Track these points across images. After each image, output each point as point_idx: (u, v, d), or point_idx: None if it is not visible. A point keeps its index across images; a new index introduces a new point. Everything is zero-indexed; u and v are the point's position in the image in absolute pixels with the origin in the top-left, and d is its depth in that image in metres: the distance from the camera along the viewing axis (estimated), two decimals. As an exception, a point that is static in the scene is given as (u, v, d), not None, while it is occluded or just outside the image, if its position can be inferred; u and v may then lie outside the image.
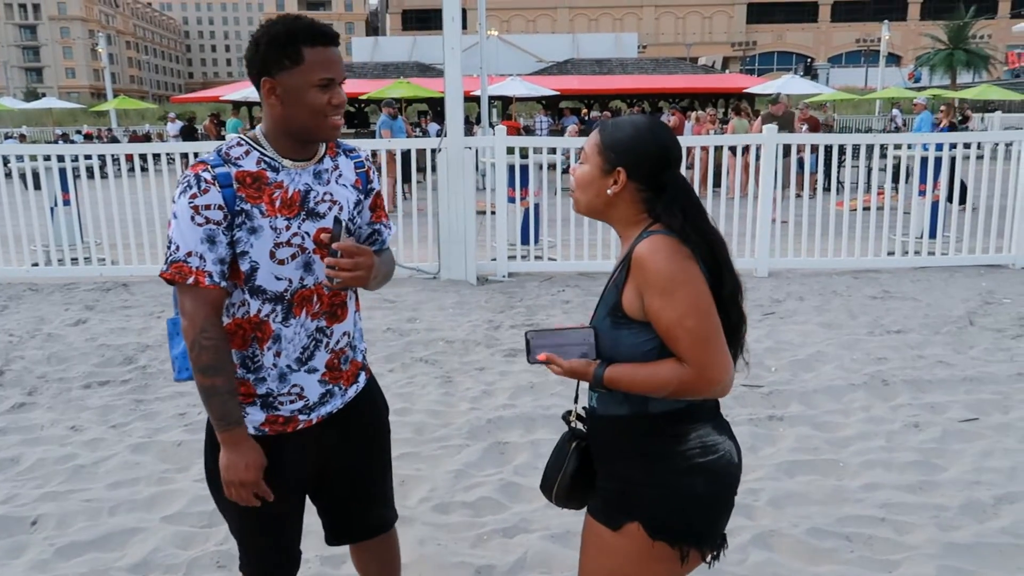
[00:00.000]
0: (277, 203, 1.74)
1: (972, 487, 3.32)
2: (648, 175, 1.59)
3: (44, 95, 62.69)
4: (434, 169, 7.50)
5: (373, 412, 2.05)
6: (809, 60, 59.59)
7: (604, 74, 29.41)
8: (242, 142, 1.78)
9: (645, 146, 1.58)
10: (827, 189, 7.79)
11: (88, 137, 27.94)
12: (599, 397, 1.66)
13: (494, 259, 7.49)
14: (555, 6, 73.00)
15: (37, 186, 7.57)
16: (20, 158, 7.65)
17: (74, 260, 7.67)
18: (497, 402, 4.33)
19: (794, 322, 5.84)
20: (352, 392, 1.96)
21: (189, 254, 1.68)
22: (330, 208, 1.80)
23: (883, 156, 8.18)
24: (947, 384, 4.51)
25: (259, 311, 1.77)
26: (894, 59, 51.67)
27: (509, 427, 3.98)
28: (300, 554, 2.05)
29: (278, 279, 1.76)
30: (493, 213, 7.52)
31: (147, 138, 26.94)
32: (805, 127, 11.34)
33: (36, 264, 7.67)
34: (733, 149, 7.95)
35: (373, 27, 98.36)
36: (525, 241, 7.60)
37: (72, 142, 23.81)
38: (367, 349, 2.06)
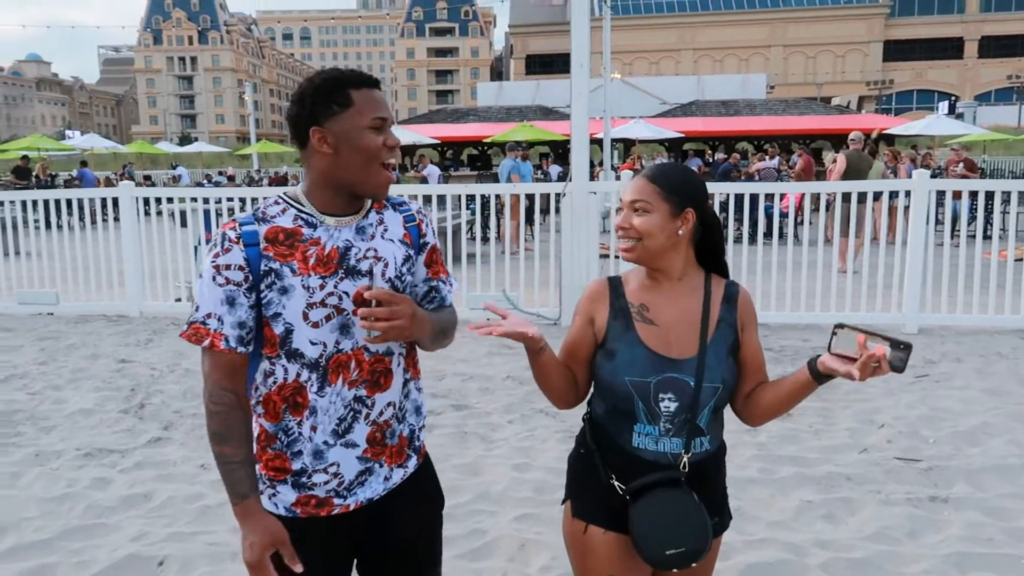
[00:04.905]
0: (311, 260, 1.62)
1: None
2: (704, 211, 1.77)
3: (196, 139, 68.36)
4: (557, 211, 7.42)
5: (423, 505, 1.84)
6: (953, 98, 56.13)
7: (730, 115, 28.75)
8: (280, 200, 1.69)
9: (699, 186, 1.78)
10: (987, 237, 7.13)
11: (231, 179, 29.96)
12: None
13: (617, 306, 7.27)
14: (678, 48, 72.62)
15: (184, 224, 8.06)
16: (171, 200, 8.17)
17: (213, 296, 8.05)
18: (622, 462, 4.08)
19: (952, 387, 5.27)
20: (398, 477, 1.77)
21: (208, 315, 1.61)
22: (373, 265, 1.67)
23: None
24: None
25: (298, 376, 1.64)
26: (1051, 96, 47.85)
27: (635, 491, 3.73)
28: None
29: (312, 343, 1.63)
30: (617, 257, 7.33)
31: (284, 180, 28.56)
32: (961, 167, 10.50)
33: (179, 300, 8.12)
34: (877, 195, 7.42)
35: (497, 72, 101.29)
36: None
37: (219, 183, 25.59)
38: (425, 427, 1.87)
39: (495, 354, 6.16)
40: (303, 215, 1.66)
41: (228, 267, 1.61)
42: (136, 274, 7.93)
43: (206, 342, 1.61)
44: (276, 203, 1.68)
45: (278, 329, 1.62)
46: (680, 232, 1.74)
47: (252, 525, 1.62)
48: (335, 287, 1.62)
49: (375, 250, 1.68)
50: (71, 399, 5.27)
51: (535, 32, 70.59)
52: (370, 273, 1.64)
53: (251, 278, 1.61)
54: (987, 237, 7.17)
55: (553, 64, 64.09)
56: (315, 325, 1.62)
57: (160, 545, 3.30)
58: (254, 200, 9.19)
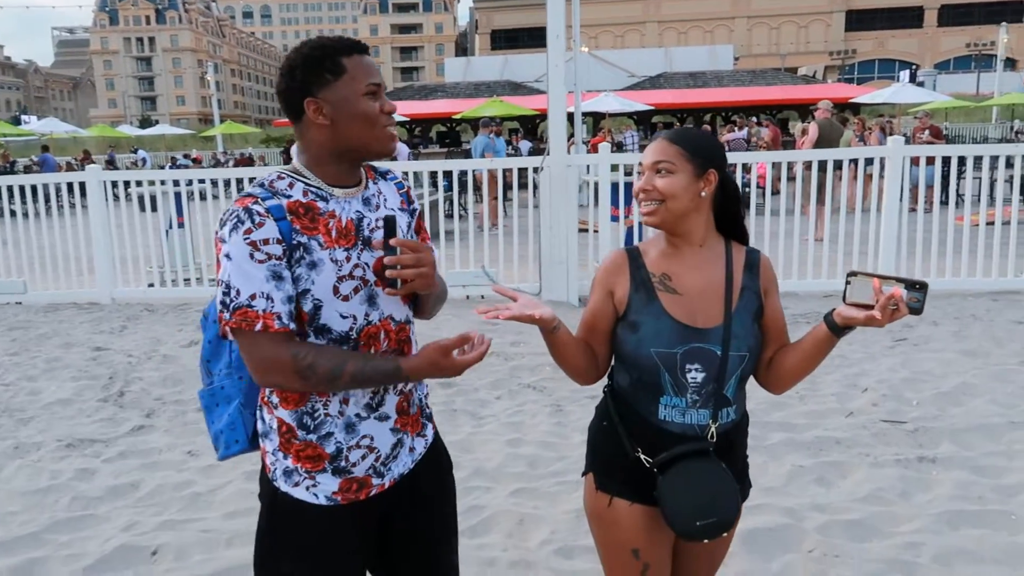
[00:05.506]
0: (334, 233, 1.59)
1: None
2: (725, 174, 1.75)
3: (157, 122, 66.84)
4: (535, 187, 7.37)
5: (439, 474, 1.85)
6: (914, 67, 56.65)
7: (699, 87, 28.79)
8: (284, 175, 1.62)
9: (720, 148, 1.77)
10: (943, 203, 7.24)
11: (196, 161, 29.35)
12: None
13: (597, 280, 7.26)
14: (643, 20, 72.31)
15: (153, 208, 7.87)
16: (139, 183, 7.96)
17: (187, 281, 7.91)
18: (613, 434, 4.09)
19: (931, 349, 5.36)
20: (420, 447, 1.78)
21: (253, 296, 1.51)
22: (395, 219, 1.65)
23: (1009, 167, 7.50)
24: (1125, 424, 3.99)
25: None
26: (1010, 63, 48.51)
27: (629, 462, 3.74)
28: None
29: (343, 317, 1.59)
30: (596, 232, 7.31)
31: (250, 161, 28.06)
32: (927, 134, 10.64)
33: (152, 285, 7.95)
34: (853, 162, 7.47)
35: (462, 48, 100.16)
36: (629, 261, 7.33)
37: (183, 166, 25.06)
38: (428, 395, 1.88)
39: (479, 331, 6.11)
40: (312, 188, 1.61)
41: (266, 241, 1.51)
42: (106, 260, 7.74)
43: (258, 325, 1.50)
44: (281, 178, 1.61)
45: (307, 306, 1.57)
46: (703, 194, 1.71)
47: (426, 370, 1.56)
48: (359, 258, 1.60)
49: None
50: (47, 389, 5.14)
51: (500, 7, 69.80)
52: (388, 227, 1.57)
53: (287, 252, 1.54)
54: (943, 203, 7.28)
55: (518, 39, 63.50)
56: (345, 298, 1.59)
57: (152, 534, 3.23)
58: (226, 182, 9.01)
